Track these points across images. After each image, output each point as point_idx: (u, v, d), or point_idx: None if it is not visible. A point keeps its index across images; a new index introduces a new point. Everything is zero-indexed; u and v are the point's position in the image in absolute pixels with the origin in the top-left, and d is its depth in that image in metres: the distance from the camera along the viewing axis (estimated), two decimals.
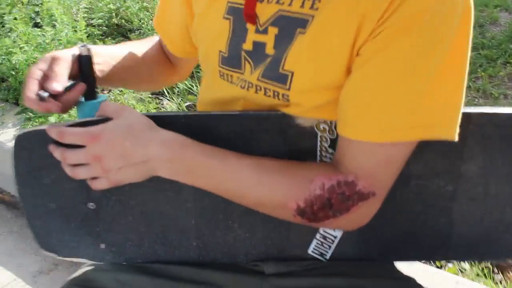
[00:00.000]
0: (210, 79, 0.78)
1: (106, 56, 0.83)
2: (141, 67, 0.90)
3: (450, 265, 1.42)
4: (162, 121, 0.68)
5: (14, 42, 2.49)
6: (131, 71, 0.88)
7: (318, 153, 0.70)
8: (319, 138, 0.69)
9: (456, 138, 0.62)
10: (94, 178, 0.67)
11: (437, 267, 1.37)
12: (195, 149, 0.65)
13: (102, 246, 0.76)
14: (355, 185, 0.63)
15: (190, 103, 2.26)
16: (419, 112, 0.59)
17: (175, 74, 0.98)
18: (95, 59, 0.77)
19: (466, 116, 0.64)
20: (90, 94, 0.75)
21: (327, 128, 0.68)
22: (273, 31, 0.66)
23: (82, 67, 0.74)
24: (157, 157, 0.64)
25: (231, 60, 0.72)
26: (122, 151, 0.64)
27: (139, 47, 0.92)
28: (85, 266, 0.78)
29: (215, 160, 0.65)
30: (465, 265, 1.41)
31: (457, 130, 0.61)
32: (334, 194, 0.63)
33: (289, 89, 0.65)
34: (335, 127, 0.67)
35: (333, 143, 0.69)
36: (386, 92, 0.59)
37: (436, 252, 0.76)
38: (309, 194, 0.63)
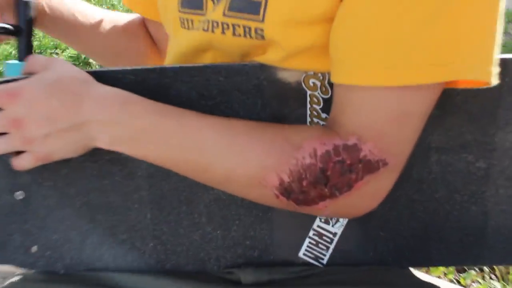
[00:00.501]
0: (172, 35, 0.63)
1: (74, 11, 0.71)
2: (119, 36, 0.78)
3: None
4: (104, 78, 0.52)
5: None
6: (106, 39, 0.76)
7: (308, 118, 0.53)
8: (308, 98, 0.53)
9: (493, 82, 0.46)
10: (17, 154, 0.52)
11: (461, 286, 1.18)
12: (143, 106, 0.49)
13: (34, 249, 0.59)
14: (358, 150, 0.46)
15: None
16: (440, 44, 0.43)
17: (156, 53, 0.84)
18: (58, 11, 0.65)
19: (501, 64, 0.48)
20: (25, 53, 0.60)
21: (318, 84, 0.52)
22: None
23: (18, 15, 0.59)
24: (93, 118, 0.49)
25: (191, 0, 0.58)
26: (48, 112, 0.48)
27: (119, 16, 0.80)
28: (11, 276, 0.61)
29: (169, 121, 0.49)
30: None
31: (493, 72, 0.45)
32: (330, 163, 0.47)
33: (262, 20, 0.50)
34: (329, 82, 0.52)
35: (327, 106, 0.53)
36: (395, 18, 0.43)
37: (466, 253, 0.58)
38: (296, 164, 0.47)
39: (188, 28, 0.58)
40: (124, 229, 0.58)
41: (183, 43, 0.59)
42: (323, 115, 0.53)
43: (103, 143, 0.50)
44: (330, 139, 0.47)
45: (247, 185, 0.49)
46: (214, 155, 0.48)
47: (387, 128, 0.46)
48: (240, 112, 0.53)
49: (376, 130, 0.46)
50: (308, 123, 0.54)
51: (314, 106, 0.53)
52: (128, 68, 0.53)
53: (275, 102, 0.53)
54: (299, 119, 0.53)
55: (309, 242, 0.58)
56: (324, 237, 0.58)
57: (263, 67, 0.52)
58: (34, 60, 0.52)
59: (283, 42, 0.49)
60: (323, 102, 0.53)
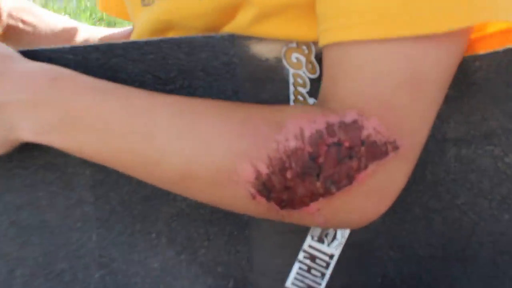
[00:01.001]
0: (133, 21, 0.53)
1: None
2: None
3: None
4: (36, 58, 0.42)
5: None
6: None
7: (291, 103, 0.43)
8: (291, 79, 0.42)
9: None
10: None
11: None
12: (79, 83, 0.39)
13: None
14: (359, 128, 0.35)
15: None
16: None
17: None
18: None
19: None
20: None
21: (303, 60, 0.42)
22: None
23: None
24: (13, 99, 0.38)
25: None
26: None
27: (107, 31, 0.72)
28: None
29: (111, 100, 0.38)
30: None
31: None
32: (322, 146, 0.35)
33: None
34: (317, 57, 0.41)
35: (315, 88, 0.42)
36: None
37: (501, 276, 0.45)
38: (277, 149, 0.35)
39: (149, 4, 0.48)
40: (63, 255, 0.45)
41: (142, 24, 0.49)
42: (311, 100, 0.42)
43: (27, 132, 0.38)
44: (322, 116, 0.36)
45: (212, 183, 0.37)
46: (168, 142, 0.37)
47: (395, 98, 0.35)
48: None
49: (381, 100, 0.35)
50: None
51: (299, 88, 0.42)
52: (67, 46, 0.43)
53: (249, 85, 0.42)
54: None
55: (299, 268, 0.45)
56: (318, 260, 0.45)
57: (233, 40, 0.41)
58: None
59: None
60: (310, 84, 0.42)
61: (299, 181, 0.35)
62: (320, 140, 0.35)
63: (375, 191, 0.37)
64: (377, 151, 0.35)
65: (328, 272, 0.45)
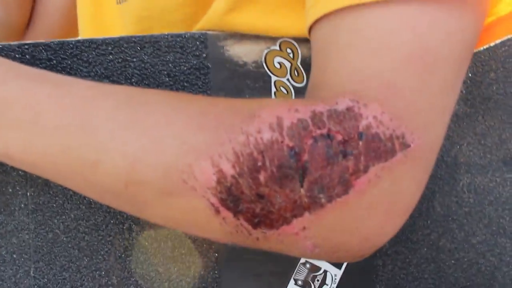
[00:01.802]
0: (107, 20, 0.48)
1: None
2: None
3: None
4: None
5: None
6: None
7: None
8: (273, 88, 0.36)
9: None
10: None
11: None
12: (10, 69, 0.32)
13: None
14: (356, 117, 0.27)
15: None
16: None
17: None
18: None
19: None
20: None
21: (287, 65, 0.36)
22: None
23: None
24: None
25: None
26: None
27: None
28: None
29: (44, 88, 0.31)
30: None
31: None
32: (307, 139, 0.27)
33: None
34: (303, 62, 0.35)
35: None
36: None
37: None
38: (246, 143, 0.27)
39: (121, 2, 0.42)
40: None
41: (123, 26, 0.43)
42: None
43: None
44: (306, 105, 0.28)
45: (161, 190, 0.29)
46: (109, 138, 0.29)
47: (399, 77, 0.27)
48: None
49: (381, 81, 0.27)
50: None
51: None
52: (14, 43, 0.37)
53: (223, 94, 0.36)
54: None
55: None
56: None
57: (205, 39, 0.36)
58: None
59: None
60: (295, 95, 0.36)
61: (276, 186, 0.27)
62: (304, 132, 0.27)
63: (379, 204, 0.28)
64: (381, 147, 0.27)
65: None
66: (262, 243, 0.29)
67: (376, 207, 0.28)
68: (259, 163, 0.27)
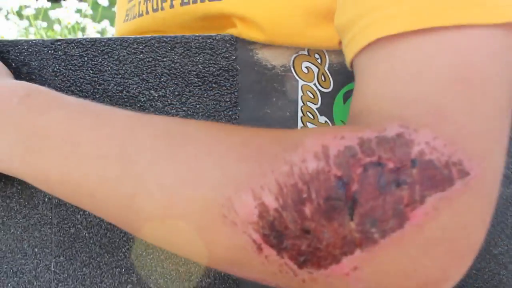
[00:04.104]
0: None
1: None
2: None
3: None
4: (14, 49, 0.37)
5: None
6: None
7: (299, 123, 0.36)
8: (300, 92, 0.36)
9: None
10: None
11: None
12: (52, 99, 0.32)
13: None
14: (407, 144, 0.25)
15: None
16: None
17: None
18: None
19: None
20: None
21: (315, 70, 0.36)
22: None
23: None
24: None
25: None
26: None
27: None
28: None
29: (85, 117, 0.31)
30: None
31: None
32: (356, 168, 0.25)
33: None
34: (330, 68, 0.36)
35: (327, 105, 0.36)
36: None
37: None
38: (290, 173, 0.25)
39: (133, 18, 0.43)
40: (13, 286, 0.37)
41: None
42: (322, 119, 0.36)
43: None
44: (353, 132, 0.26)
45: (199, 224, 0.27)
46: (147, 169, 0.28)
47: (448, 99, 0.25)
48: (198, 110, 0.36)
49: (430, 103, 0.25)
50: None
51: (309, 104, 0.36)
52: (48, 39, 0.37)
53: (251, 97, 0.36)
54: (286, 125, 0.36)
55: None
56: None
57: (235, 41, 0.36)
58: None
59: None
60: (321, 99, 0.36)
61: (324, 220, 0.24)
62: (353, 159, 0.24)
63: (439, 241, 0.24)
64: (437, 175, 0.24)
65: None
66: (308, 285, 0.26)
67: (436, 245, 0.25)
68: (304, 195, 0.25)
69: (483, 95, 0.26)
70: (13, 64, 0.37)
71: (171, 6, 0.38)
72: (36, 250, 0.37)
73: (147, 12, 0.40)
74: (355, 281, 0.25)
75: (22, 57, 0.37)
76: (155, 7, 0.39)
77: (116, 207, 0.29)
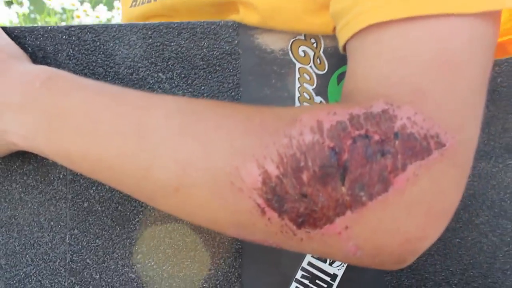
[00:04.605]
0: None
1: None
2: None
3: None
4: (31, 36, 0.39)
5: None
6: None
7: (296, 102, 0.39)
8: (297, 74, 0.39)
9: None
10: None
11: None
12: (72, 82, 0.35)
13: None
14: (391, 118, 0.28)
15: None
16: None
17: None
18: None
19: None
20: None
21: (311, 54, 0.39)
22: None
23: None
24: (5, 102, 0.35)
25: None
26: None
27: None
28: None
29: (103, 98, 0.33)
30: None
31: None
32: (346, 140, 0.28)
33: None
34: (325, 52, 0.39)
35: (322, 86, 0.39)
36: None
37: None
38: (289, 144, 0.28)
39: (139, 4, 0.46)
40: (30, 257, 0.40)
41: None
42: (317, 99, 0.39)
43: (17, 137, 0.35)
44: (344, 108, 0.29)
45: (210, 192, 0.30)
46: (161, 143, 0.31)
47: (427, 81, 0.29)
48: (203, 91, 0.39)
49: (411, 85, 0.29)
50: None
51: (305, 85, 0.39)
52: (62, 25, 0.40)
53: (251, 78, 0.39)
54: (284, 104, 0.39)
55: None
56: (319, 281, 0.39)
57: (237, 27, 0.39)
58: None
59: None
60: (317, 81, 0.39)
61: (319, 185, 0.28)
62: (343, 133, 0.28)
63: (419, 204, 0.28)
64: (416, 146, 0.28)
65: None
66: (306, 244, 0.30)
67: (416, 207, 0.28)
68: (302, 163, 0.28)
69: (460, 76, 0.29)
70: (30, 49, 0.39)
71: None
72: (52, 223, 0.40)
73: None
74: (346, 238, 0.29)
75: (38, 42, 0.39)
76: None
77: (133, 178, 0.32)
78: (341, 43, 0.33)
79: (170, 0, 0.41)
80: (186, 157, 0.30)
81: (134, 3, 0.47)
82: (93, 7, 2.18)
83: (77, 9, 2.04)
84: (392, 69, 0.29)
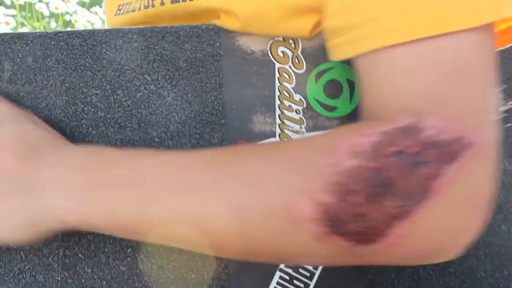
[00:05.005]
0: None
1: None
2: None
3: None
4: (21, 41, 0.41)
5: None
6: None
7: (277, 101, 0.41)
8: (277, 74, 0.41)
9: None
10: None
11: None
12: (110, 152, 0.37)
13: None
14: (420, 131, 0.31)
15: None
16: None
17: None
18: None
19: None
20: None
21: (289, 54, 0.41)
22: None
23: None
24: (46, 179, 0.35)
25: None
26: None
27: None
28: None
29: (146, 163, 0.35)
30: None
31: None
32: (383, 158, 0.30)
33: None
34: (303, 51, 0.41)
35: (301, 85, 0.41)
36: None
37: None
38: (334, 173, 0.31)
39: (125, 12, 0.47)
40: (24, 253, 0.42)
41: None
42: (296, 97, 0.41)
43: (64, 211, 0.35)
44: (373, 128, 0.31)
45: (272, 230, 0.32)
46: (213, 194, 0.33)
47: (445, 90, 0.31)
48: (187, 92, 0.41)
49: (431, 96, 0.31)
50: (276, 107, 0.41)
51: (285, 84, 0.41)
52: (51, 31, 0.42)
53: (234, 78, 0.41)
54: (265, 102, 0.41)
55: (280, 277, 0.41)
56: (302, 270, 0.41)
57: (219, 31, 0.41)
58: None
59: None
60: (296, 79, 0.41)
61: (370, 203, 0.30)
62: (380, 152, 0.30)
63: (461, 201, 0.31)
64: (448, 151, 0.30)
65: (313, 284, 0.41)
66: (368, 258, 0.32)
67: (459, 204, 0.31)
68: (351, 188, 0.30)
69: (473, 81, 0.32)
70: (19, 54, 0.41)
71: (162, 3, 0.42)
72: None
73: (139, 9, 0.45)
74: (405, 246, 0.31)
75: (28, 48, 0.41)
76: (146, 4, 0.44)
77: (191, 233, 0.33)
78: (337, 55, 0.35)
79: (154, 9, 0.43)
80: (241, 202, 0.32)
81: (118, 12, 0.48)
82: (88, 8, 2.20)
83: (72, 13, 2.05)
84: (410, 83, 0.31)
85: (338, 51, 0.35)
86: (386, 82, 0.32)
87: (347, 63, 0.40)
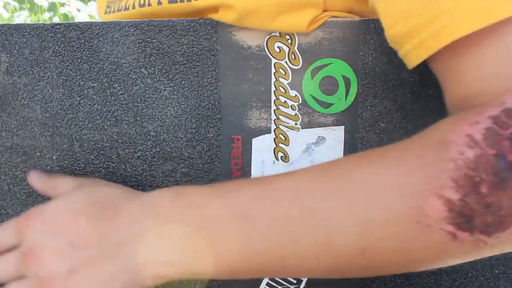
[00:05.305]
0: None
1: None
2: None
3: None
4: (17, 33, 0.41)
5: None
6: None
7: (273, 96, 0.41)
8: (273, 69, 0.41)
9: None
10: None
11: None
12: (196, 192, 0.35)
13: None
14: None
15: None
16: None
17: None
18: None
19: None
20: None
21: (285, 49, 0.41)
22: None
23: None
24: (134, 232, 0.34)
25: None
26: (72, 236, 0.35)
27: None
28: None
29: (243, 195, 0.34)
30: None
31: None
32: (503, 142, 0.29)
33: None
34: (299, 47, 0.41)
35: (296, 81, 0.41)
36: None
37: None
38: (457, 167, 0.30)
39: (118, 11, 0.47)
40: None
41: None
42: (292, 93, 0.41)
43: (162, 265, 0.33)
44: (480, 114, 0.30)
45: (399, 238, 0.31)
46: (333, 212, 0.32)
47: None
48: (183, 86, 0.41)
49: None
50: (272, 103, 0.41)
51: (281, 79, 0.41)
52: (48, 23, 0.42)
53: (230, 73, 0.41)
54: (260, 98, 0.41)
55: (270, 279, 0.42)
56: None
57: (216, 25, 0.41)
58: (57, 182, 0.40)
59: None
60: (292, 75, 0.41)
61: (499, 191, 0.29)
62: (497, 137, 0.29)
63: None
64: None
65: (304, 280, 0.42)
66: (497, 247, 0.31)
67: None
68: (477, 179, 0.29)
69: None
70: (16, 46, 0.41)
71: (159, 2, 0.42)
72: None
73: (133, 7, 0.45)
74: None
75: (25, 40, 0.41)
76: (142, 3, 0.44)
77: (312, 257, 0.32)
78: (414, 61, 0.34)
79: (150, 8, 0.42)
80: (363, 217, 0.31)
81: (108, 10, 0.48)
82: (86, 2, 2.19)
83: (67, 4, 2.05)
84: (502, 65, 0.31)
85: (413, 55, 0.34)
86: (475, 69, 0.32)
87: (344, 60, 0.41)
